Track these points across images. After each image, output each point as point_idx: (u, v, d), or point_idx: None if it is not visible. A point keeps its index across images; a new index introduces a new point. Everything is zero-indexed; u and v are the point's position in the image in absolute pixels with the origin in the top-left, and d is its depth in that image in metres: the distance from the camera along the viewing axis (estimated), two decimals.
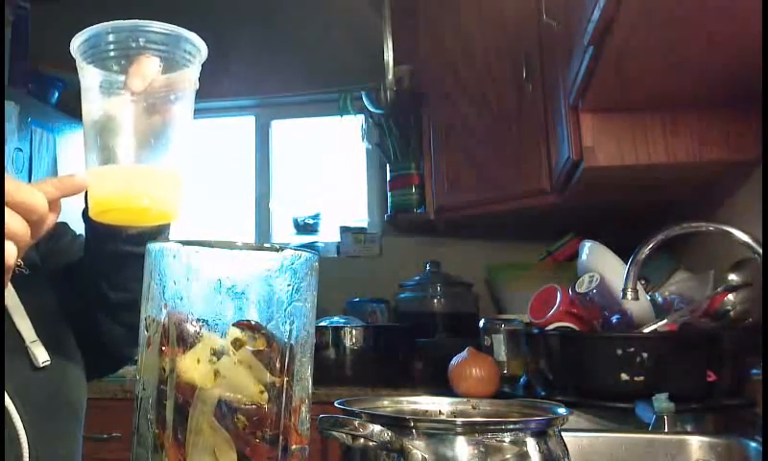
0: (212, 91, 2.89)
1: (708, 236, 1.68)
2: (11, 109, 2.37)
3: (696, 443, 1.06)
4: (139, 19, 0.64)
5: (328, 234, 3.01)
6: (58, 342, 0.81)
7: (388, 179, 2.79)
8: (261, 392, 0.56)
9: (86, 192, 0.67)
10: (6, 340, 0.74)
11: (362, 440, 0.62)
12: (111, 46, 0.63)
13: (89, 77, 0.64)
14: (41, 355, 0.77)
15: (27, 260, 0.85)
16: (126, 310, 0.84)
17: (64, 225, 0.96)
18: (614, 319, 1.50)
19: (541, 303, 1.71)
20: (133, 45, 0.63)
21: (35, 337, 0.78)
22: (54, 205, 0.63)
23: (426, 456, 0.61)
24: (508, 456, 0.62)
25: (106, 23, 0.63)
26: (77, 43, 0.63)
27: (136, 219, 0.68)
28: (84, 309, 0.86)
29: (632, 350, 1.34)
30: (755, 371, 1.17)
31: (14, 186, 0.60)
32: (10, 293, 0.78)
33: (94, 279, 0.83)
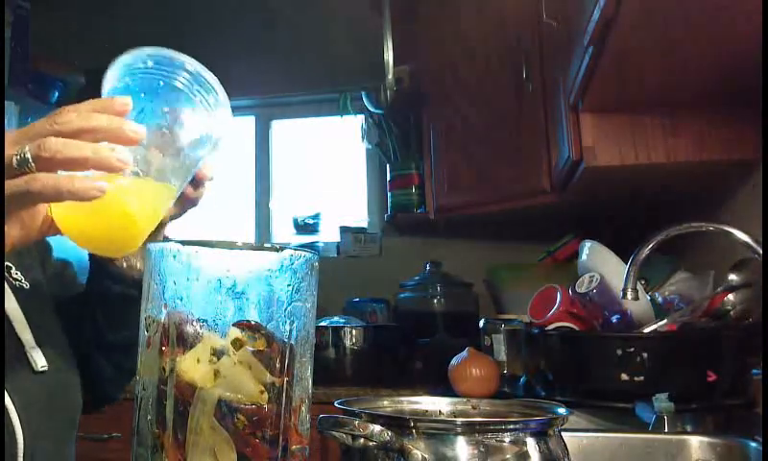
0: None
1: (707, 236, 1.68)
2: (11, 109, 2.37)
3: (696, 443, 1.06)
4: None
5: (328, 234, 3.01)
6: (56, 351, 0.82)
7: (388, 179, 2.79)
8: (261, 392, 0.56)
9: None
10: (7, 344, 0.75)
11: (362, 440, 0.62)
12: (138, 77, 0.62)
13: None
14: (40, 360, 0.79)
15: (31, 278, 0.86)
16: (121, 352, 0.86)
17: (66, 261, 0.97)
18: (614, 319, 1.50)
19: (541, 303, 1.70)
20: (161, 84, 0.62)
21: (34, 344, 0.79)
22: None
23: (426, 456, 0.61)
24: (508, 456, 0.62)
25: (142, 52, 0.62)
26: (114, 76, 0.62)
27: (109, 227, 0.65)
28: (77, 343, 0.88)
29: (632, 350, 1.34)
30: (755, 371, 1.17)
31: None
32: (11, 302, 0.79)
33: (94, 316, 0.86)
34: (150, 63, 0.62)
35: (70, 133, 0.57)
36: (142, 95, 0.61)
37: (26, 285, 0.84)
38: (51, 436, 0.80)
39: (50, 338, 0.82)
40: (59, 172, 0.57)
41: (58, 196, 0.57)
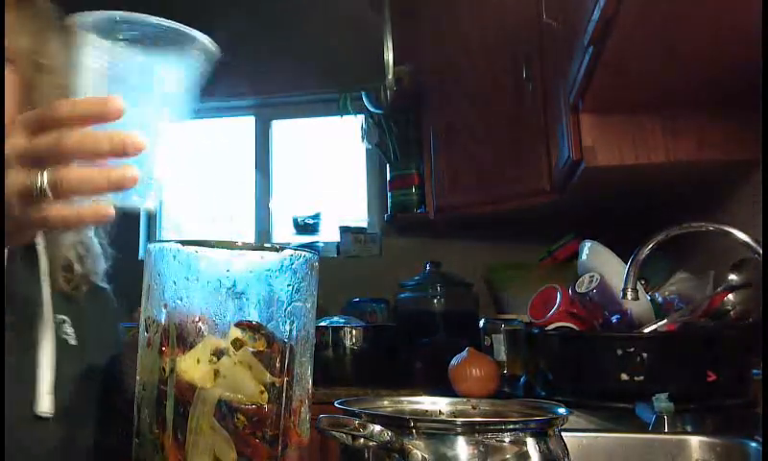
0: (212, 91, 2.89)
1: (707, 236, 1.68)
2: None
3: (696, 443, 1.06)
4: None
5: (328, 234, 3.01)
6: (67, 405, 0.81)
7: (388, 179, 2.79)
8: (261, 392, 0.56)
9: None
10: (24, 379, 0.76)
11: (362, 440, 0.62)
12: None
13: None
14: (45, 406, 0.77)
15: (79, 338, 0.85)
16: None
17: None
18: (614, 319, 1.50)
19: (541, 303, 1.70)
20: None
21: (50, 389, 0.78)
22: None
23: (426, 456, 0.61)
24: (508, 456, 0.62)
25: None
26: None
27: None
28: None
29: (632, 350, 1.34)
30: (755, 371, 1.17)
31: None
32: (47, 354, 0.78)
33: None
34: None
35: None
36: None
37: (72, 342, 0.84)
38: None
39: (65, 392, 0.80)
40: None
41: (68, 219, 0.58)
